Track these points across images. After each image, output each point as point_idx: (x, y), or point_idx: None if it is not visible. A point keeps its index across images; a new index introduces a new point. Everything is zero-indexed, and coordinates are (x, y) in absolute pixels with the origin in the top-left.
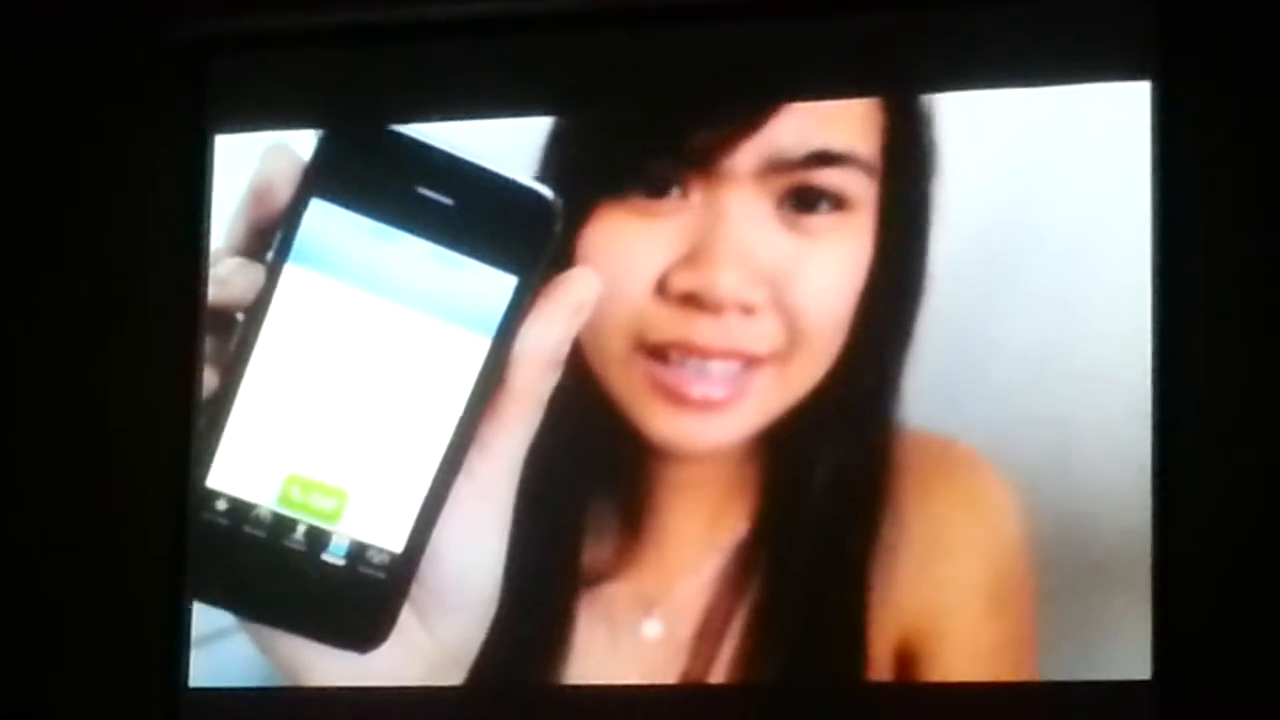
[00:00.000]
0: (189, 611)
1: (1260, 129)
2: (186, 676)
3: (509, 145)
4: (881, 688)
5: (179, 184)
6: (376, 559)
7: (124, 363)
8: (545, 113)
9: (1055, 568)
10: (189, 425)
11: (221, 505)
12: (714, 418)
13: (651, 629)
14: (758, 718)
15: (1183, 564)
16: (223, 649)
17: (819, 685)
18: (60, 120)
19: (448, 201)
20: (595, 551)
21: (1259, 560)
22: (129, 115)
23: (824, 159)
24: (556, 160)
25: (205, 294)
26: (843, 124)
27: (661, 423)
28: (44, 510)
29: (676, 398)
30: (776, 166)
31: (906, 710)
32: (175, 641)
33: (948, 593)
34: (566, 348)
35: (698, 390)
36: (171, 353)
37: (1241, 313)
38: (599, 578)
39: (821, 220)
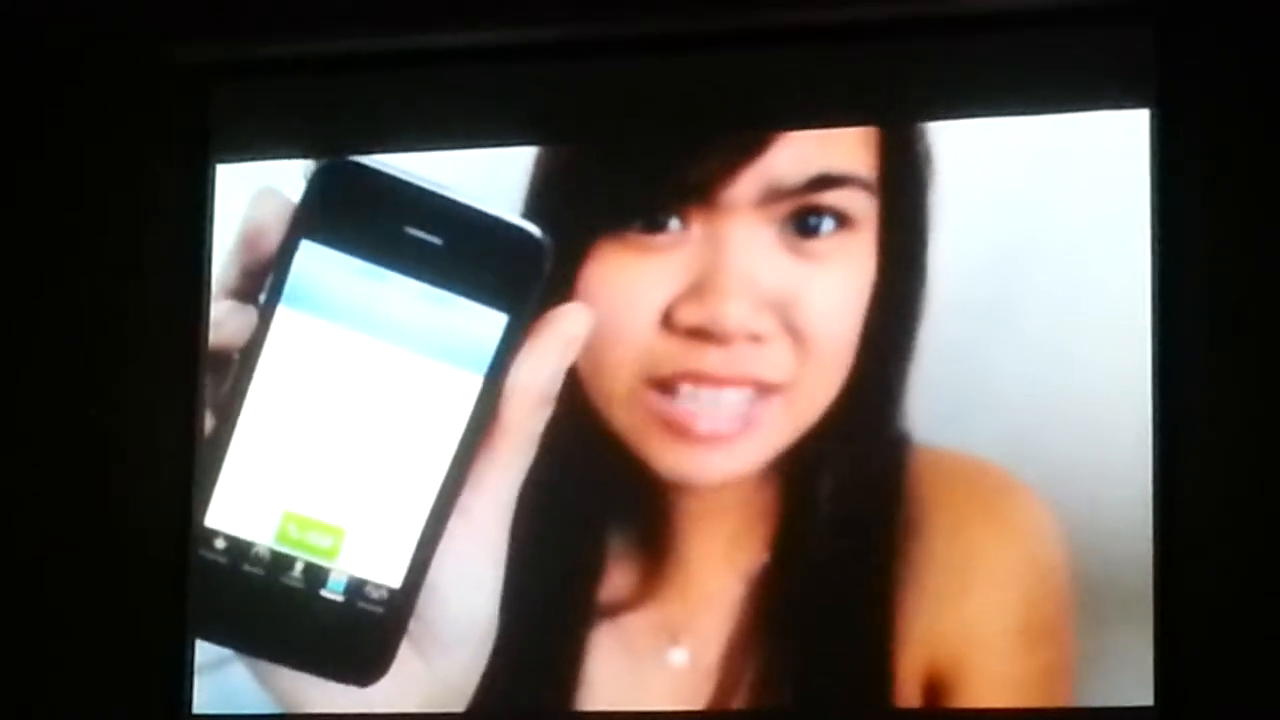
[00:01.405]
0: (192, 639)
1: (1260, 156)
2: (190, 704)
3: (506, 181)
4: (904, 714)
5: (181, 211)
6: (374, 594)
7: (126, 387)
8: (544, 143)
9: (1075, 594)
10: (191, 452)
11: (220, 544)
12: (722, 451)
13: (678, 657)
14: None
15: (1183, 594)
16: (225, 676)
17: (845, 711)
18: (62, 146)
19: (437, 241)
20: (615, 582)
21: (1258, 589)
22: (132, 143)
23: (824, 183)
24: (554, 197)
25: (207, 322)
26: (840, 147)
27: (669, 458)
28: (48, 538)
29: (683, 432)
30: (776, 193)
31: None
32: (178, 669)
33: (983, 619)
34: (559, 383)
35: (705, 425)
36: (173, 379)
37: (1242, 335)
38: (619, 608)
39: (824, 243)
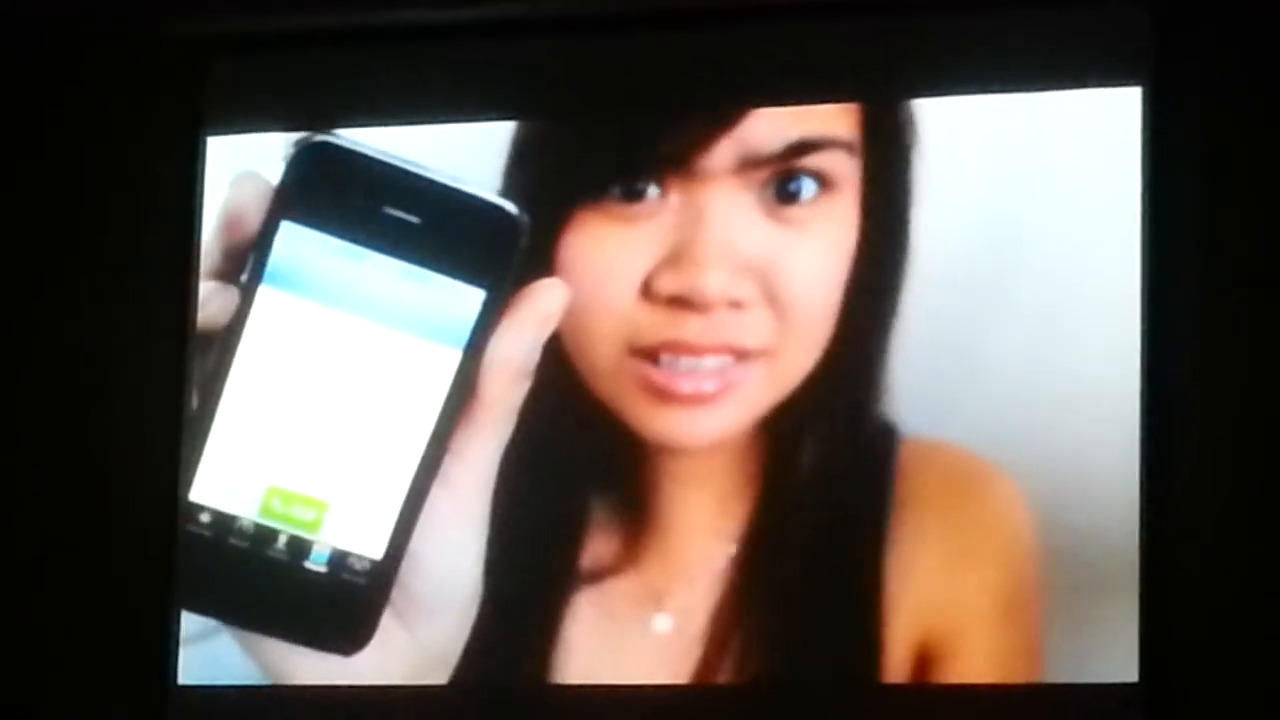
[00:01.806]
0: (178, 611)
1: (1252, 135)
2: (176, 674)
3: (486, 153)
4: (891, 688)
5: (175, 185)
6: (357, 566)
7: (119, 364)
8: (537, 117)
9: (1053, 574)
10: (180, 426)
11: (205, 518)
12: (704, 412)
13: (662, 623)
14: (770, 716)
15: (1169, 571)
16: (211, 647)
17: (827, 685)
18: (57, 120)
19: (414, 220)
20: (599, 548)
21: (1243, 567)
22: (126, 116)
23: (804, 148)
24: (532, 168)
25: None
26: (821, 112)
27: (653, 420)
28: (37, 510)
29: (666, 395)
30: (755, 160)
31: (893, 710)
32: (165, 640)
33: (966, 601)
34: (536, 357)
35: (687, 386)
36: (163, 354)
37: (1231, 316)
38: (603, 574)
39: (806, 209)
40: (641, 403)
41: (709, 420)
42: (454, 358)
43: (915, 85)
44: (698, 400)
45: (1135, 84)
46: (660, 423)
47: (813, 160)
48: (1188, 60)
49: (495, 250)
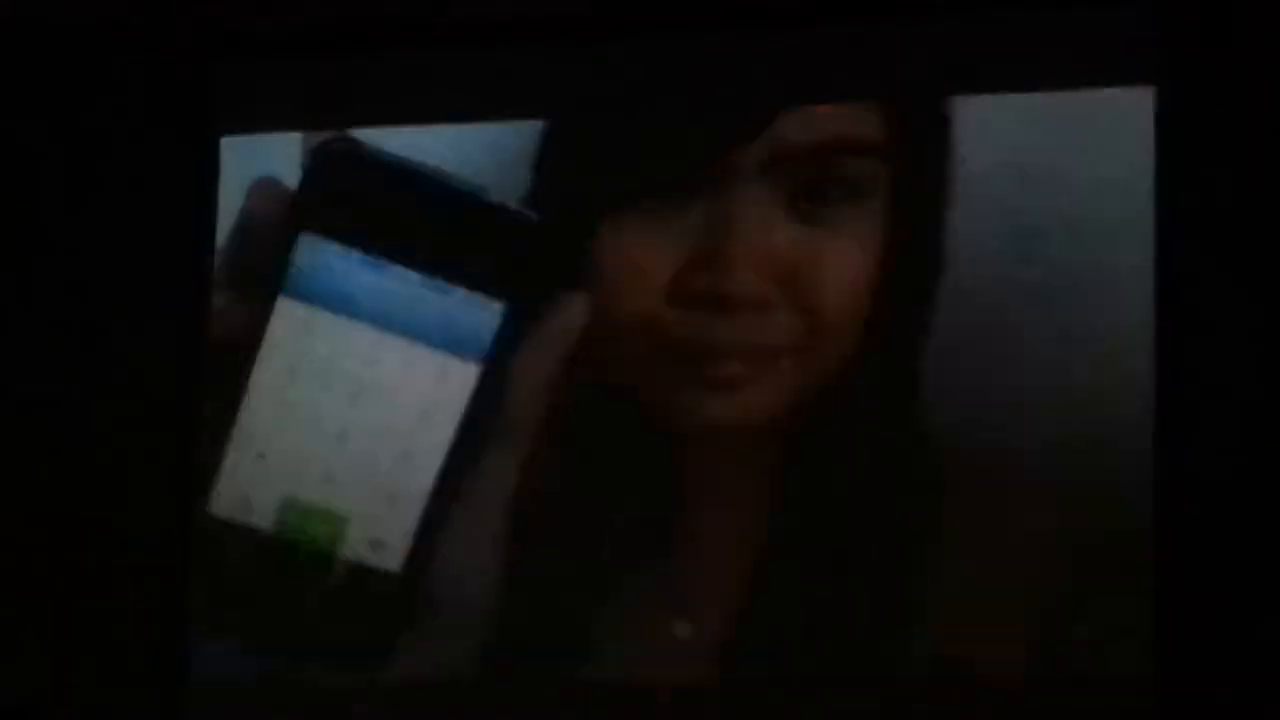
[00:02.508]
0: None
1: (1263, 135)
2: (189, 669)
3: (512, 156)
4: (913, 688)
5: (186, 188)
6: (376, 581)
7: (129, 363)
8: (548, 118)
9: (1070, 566)
10: (191, 424)
11: (221, 531)
12: (734, 393)
13: (684, 629)
14: (794, 717)
15: (1182, 564)
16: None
17: (854, 685)
18: (65, 123)
19: (436, 230)
20: (622, 553)
21: (1257, 560)
22: (137, 116)
23: (834, 150)
24: (560, 167)
25: (210, 304)
26: (851, 115)
27: (683, 401)
28: (51, 506)
29: (694, 379)
30: (784, 161)
31: (913, 702)
32: (178, 633)
33: (994, 604)
34: (559, 372)
35: (718, 371)
36: (177, 353)
37: (1242, 316)
38: (626, 580)
39: (835, 210)
40: (669, 387)
41: (737, 402)
42: (475, 371)
43: (930, 87)
44: (728, 380)
45: (1147, 84)
46: (689, 404)
47: (843, 164)
48: (1198, 60)
49: (518, 262)
